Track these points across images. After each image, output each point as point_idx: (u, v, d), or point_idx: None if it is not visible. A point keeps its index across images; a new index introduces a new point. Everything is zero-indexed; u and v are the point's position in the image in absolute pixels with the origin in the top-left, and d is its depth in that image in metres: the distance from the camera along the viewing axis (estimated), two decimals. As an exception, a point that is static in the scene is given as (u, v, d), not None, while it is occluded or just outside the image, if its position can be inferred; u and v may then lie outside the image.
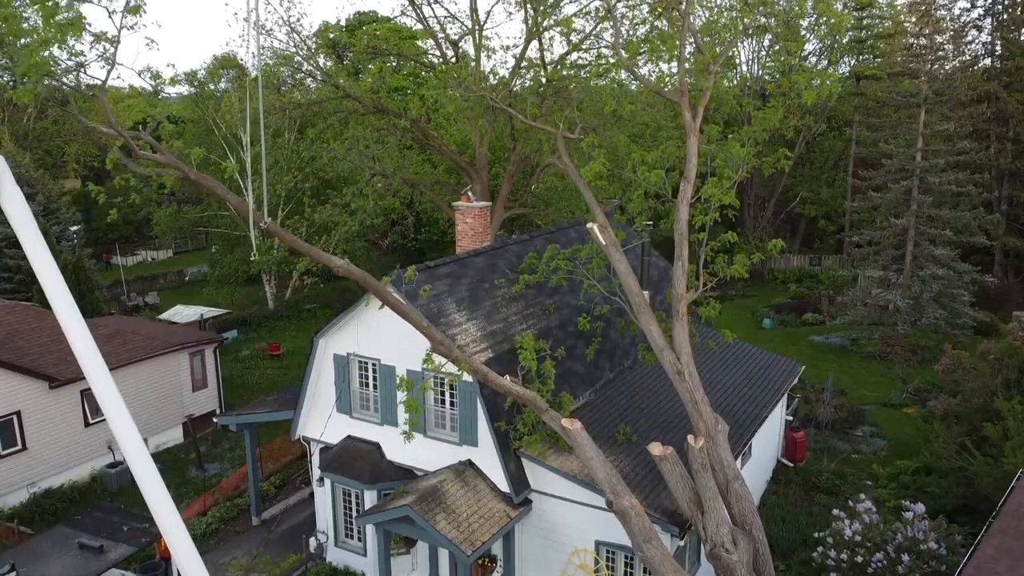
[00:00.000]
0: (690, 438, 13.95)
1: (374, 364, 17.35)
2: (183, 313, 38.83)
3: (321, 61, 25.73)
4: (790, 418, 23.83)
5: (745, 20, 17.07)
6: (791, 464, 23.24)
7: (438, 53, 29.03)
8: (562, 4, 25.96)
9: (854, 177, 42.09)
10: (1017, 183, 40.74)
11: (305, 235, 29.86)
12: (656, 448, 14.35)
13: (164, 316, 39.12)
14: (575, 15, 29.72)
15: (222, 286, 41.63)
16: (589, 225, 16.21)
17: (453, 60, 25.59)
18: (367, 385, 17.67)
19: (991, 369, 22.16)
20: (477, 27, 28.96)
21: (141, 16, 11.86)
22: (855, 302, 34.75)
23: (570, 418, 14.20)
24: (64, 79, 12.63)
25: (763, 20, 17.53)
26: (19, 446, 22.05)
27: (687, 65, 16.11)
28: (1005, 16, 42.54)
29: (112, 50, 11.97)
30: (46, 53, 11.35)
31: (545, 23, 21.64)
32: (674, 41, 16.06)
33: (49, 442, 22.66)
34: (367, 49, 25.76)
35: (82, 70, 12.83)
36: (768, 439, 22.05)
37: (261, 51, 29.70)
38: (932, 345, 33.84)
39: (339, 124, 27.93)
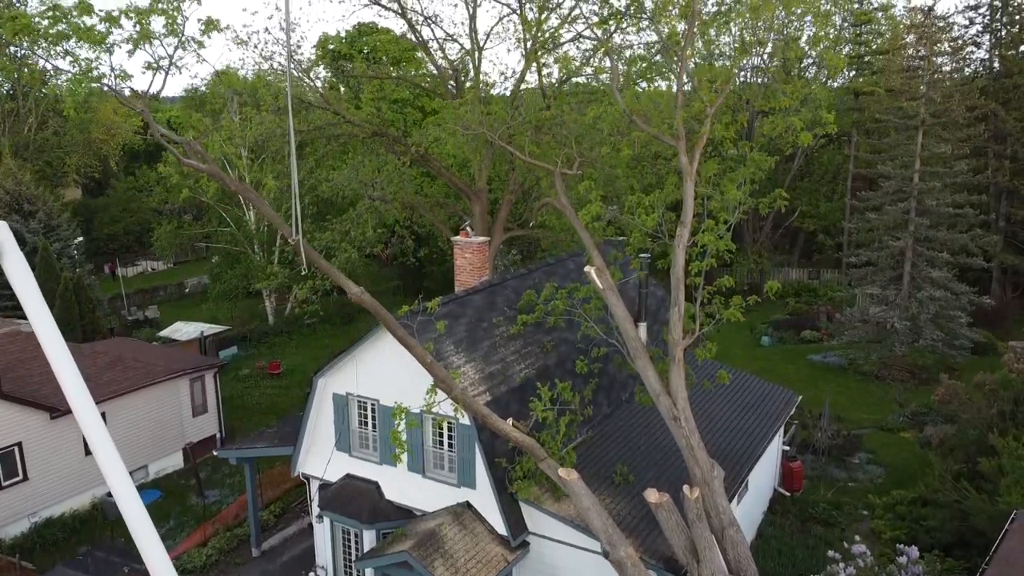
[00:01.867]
0: (686, 488, 14.07)
1: (373, 404, 17.47)
2: (183, 330, 38.95)
3: (319, 83, 25.85)
4: (787, 448, 23.93)
5: (742, 63, 17.18)
6: (788, 494, 23.35)
7: (436, 73, 29.19)
8: (560, 38, 26.13)
9: (852, 197, 42.20)
10: (1015, 201, 40.88)
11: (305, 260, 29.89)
12: (652, 495, 14.45)
13: (164, 333, 39.25)
14: (573, 39, 30.12)
15: (222, 302, 41.74)
16: (587, 269, 16.34)
17: (453, 87, 25.75)
18: (366, 424, 17.79)
19: (986, 400, 22.28)
20: (476, 48, 29.11)
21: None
22: (853, 322, 34.85)
23: (567, 468, 14.31)
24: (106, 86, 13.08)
25: (760, 60, 17.66)
26: (20, 476, 22.18)
27: (683, 112, 16.21)
28: (1003, 32, 42.70)
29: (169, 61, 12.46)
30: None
31: (544, 58, 21.84)
32: (671, 90, 16.15)
33: (50, 472, 22.78)
34: (365, 73, 25.91)
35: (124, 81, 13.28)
36: (765, 469, 22.15)
37: (263, 71, 29.88)
38: (930, 365, 33.98)
39: (339, 149, 28.07)
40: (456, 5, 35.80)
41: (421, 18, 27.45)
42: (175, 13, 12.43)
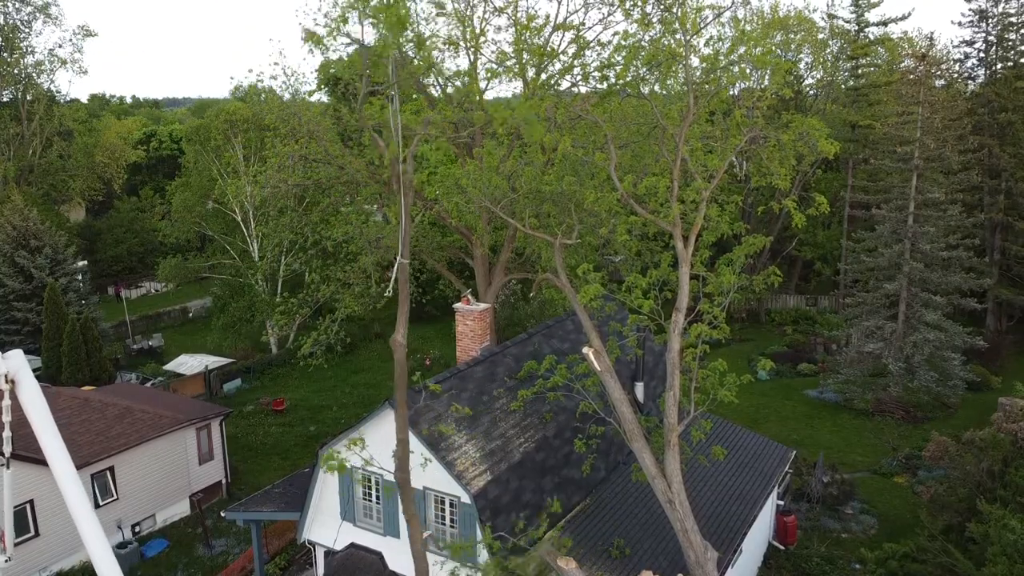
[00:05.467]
0: (680, 579, 14.58)
1: (378, 479, 17.97)
2: (188, 363, 39.55)
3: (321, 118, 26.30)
4: (780, 503, 24.45)
5: (735, 145, 17.65)
6: (782, 547, 23.86)
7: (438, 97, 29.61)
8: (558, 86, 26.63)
9: (848, 238, 42.67)
10: (1009, 235, 41.37)
11: (309, 314, 30.52)
12: (648, 579, 14.97)
13: (169, 367, 39.84)
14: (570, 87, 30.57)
15: (227, 332, 42.26)
16: (585, 350, 16.84)
17: (457, 145, 26.17)
18: (370, 497, 18.29)
19: (975, 459, 22.77)
20: (479, 95, 29.62)
21: None
22: (848, 360, 35.37)
23: (566, 558, 14.82)
24: None
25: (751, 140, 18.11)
26: (32, 533, 22.69)
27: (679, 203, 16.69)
28: (998, 67, 43.18)
29: None
30: None
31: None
32: (667, 180, 16.64)
33: (61, 526, 23.28)
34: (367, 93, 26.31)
35: None
36: (760, 525, 22.64)
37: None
38: (924, 403, 34.49)
39: (342, 199, 28.60)
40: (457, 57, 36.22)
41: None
42: None
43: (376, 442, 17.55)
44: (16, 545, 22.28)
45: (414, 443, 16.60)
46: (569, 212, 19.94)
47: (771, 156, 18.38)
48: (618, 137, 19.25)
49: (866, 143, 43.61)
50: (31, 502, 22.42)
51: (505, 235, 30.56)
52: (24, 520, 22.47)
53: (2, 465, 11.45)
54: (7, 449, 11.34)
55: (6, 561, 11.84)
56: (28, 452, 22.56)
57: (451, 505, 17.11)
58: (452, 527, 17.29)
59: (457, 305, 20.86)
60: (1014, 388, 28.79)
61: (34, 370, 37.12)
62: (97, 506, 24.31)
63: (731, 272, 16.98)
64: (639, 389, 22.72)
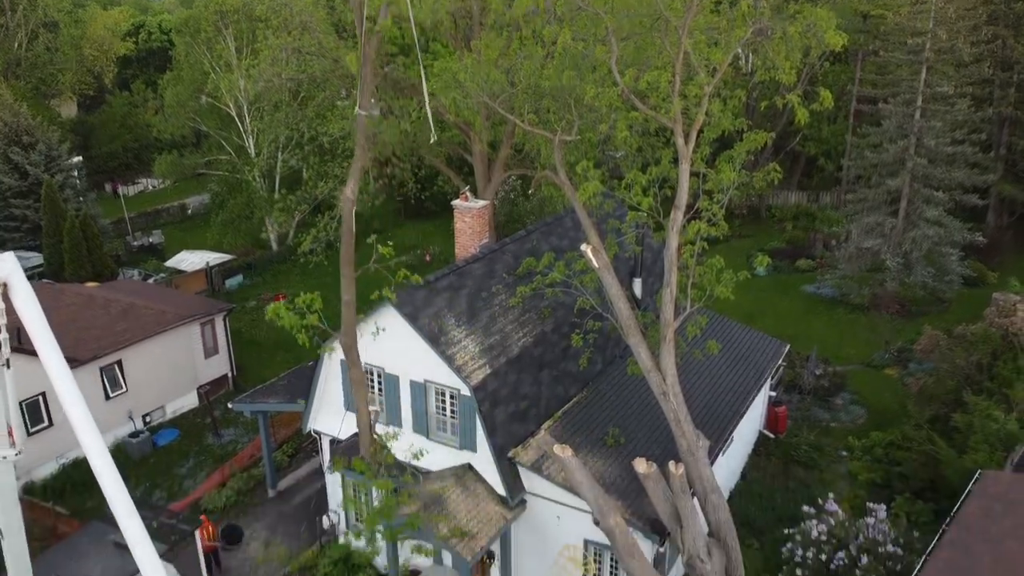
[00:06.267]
0: (671, 465, 15.15)
1: (379, 372, 18.42)
2: (189, 260, 39.76)
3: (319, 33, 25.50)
4: (773, 394, 25.11)
5: (739, 38, 17.14)
6: (772, 436, 24.69)
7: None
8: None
9: (853, 133, 41.96)
10: (1017, 129, 40.67)
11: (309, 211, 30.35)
12: (641, 465, 15.55)
13: (170, 263, 40.08)
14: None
15: (226, 231, 42.23)
16: (583, 247, 16.90)
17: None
18: (372, 389, 18.79)
19: (965, 352, 23.24)
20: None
21: None
22: (847, 255, 35.52)
23: (562, 446, 15.37)
24: None
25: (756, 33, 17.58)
26: (46, 423, 23.44)
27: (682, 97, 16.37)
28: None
29: None
30: None
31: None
32: (669, 74, 16.26)
33: (73, 417, 24.02)
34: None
35: None
36: (752, 416, 23.34)
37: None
38: (919, 298, 34.87)
39: (338, 93, 28.01)
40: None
41: None
42: None
43: (378, 336, 17.91)
44: (31, 435, 23.11)
45: (410, 334, 17.00)
46: (569, 108, 19.59)
47: (777, 50, 17.88)
48: (620, 29, 18.62)
49: (877, 34, 42.26)
50: (43, 394, 23.02)
51: (504, 131, 30.09)
52: (38, 411, 23.16)
53: (3, 366, 11.70)
54: (6, 351, 11.55)
55: (17, 455, 12.27)
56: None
57: (451, 397, 17.61)
58: (453, 418, 17.85)
59: (455, 202, 20.78)
60: (1009, 283, 29.03)
61: (36, 267, 37.39)
62: (107, 398, 25.05)
63: (731, 169, 16.86)
64: (637, 285, 22.95)
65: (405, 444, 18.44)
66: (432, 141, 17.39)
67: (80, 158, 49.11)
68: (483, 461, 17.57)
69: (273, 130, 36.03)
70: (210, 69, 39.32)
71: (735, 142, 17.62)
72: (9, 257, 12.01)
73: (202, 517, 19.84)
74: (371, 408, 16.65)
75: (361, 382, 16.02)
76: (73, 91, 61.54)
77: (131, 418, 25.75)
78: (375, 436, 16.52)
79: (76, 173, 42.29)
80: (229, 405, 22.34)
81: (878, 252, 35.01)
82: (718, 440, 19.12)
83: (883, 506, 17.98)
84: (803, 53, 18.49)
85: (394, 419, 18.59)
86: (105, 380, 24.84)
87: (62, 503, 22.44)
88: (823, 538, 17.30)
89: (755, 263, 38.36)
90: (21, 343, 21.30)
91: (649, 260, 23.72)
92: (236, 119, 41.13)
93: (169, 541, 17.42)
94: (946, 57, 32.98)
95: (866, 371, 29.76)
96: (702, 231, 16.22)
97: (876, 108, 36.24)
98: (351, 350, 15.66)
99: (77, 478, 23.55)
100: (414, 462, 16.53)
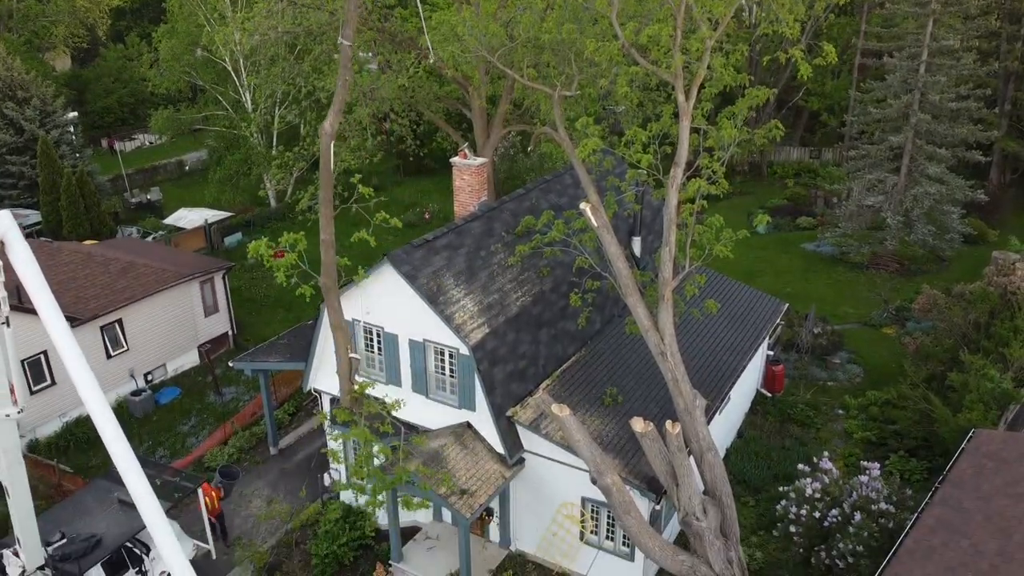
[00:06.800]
0: (668, 424, 15.27)
1: (378, 331, 18.46)
2: (188, 217, 39.59)
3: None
4: (770, 353, 25.20)
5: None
6: (770, 395, 24.85)
7: None
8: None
9: (857, 88, 41.41)
10: (1023, 84, 40.18)
11: (307, 167, 30.06)
12: (638, 424, 15.68)
13: (169, 220, 39.92)
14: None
15: (224, 188, 41.92)
16: (582, 206, 16.79)
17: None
18: (372, 349, 18.85)
19: (963, 311, 23.27)
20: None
21: None
22: (848, 215, 35.37)
23: (560, 404, 15.47)
24: None
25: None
26: (48, 381, 23.58)
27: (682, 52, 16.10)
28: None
29: None
30: None
31: None
32: (671, 28, 15.97)
33: (75, 375, 24.16)
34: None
35: None
36: (749, 374, 23.46)
37: None
38: (919, 256, 34.82)
39: (335, 47, 27.48)
40: None
41: None
42: None
43: (376, 295, 17.95)
44: (33, 393, 23.27)
45: (409, 293, 16.99)
46: (569, 62, 19.32)
47: (781, 2, 17.54)
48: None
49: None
50: (45, 352, 23.11)
51: (503, 86, 29.70)
52: (40, 370, 23.29)
53: (2, 324, 11.70)
54: (5, 309, 11.54)
55: (19, 412, 12.35)
56: (36, 305, 23.10)
57: (451, 356, 17.67)
58: (452, 377, 17.94)
59: (454, 159, 20.61)
60: (1009, 242, 28.97)
61: (34, 224, 37.14)
62: (108, 356, 25.16)
63: (732, 126, 16.67)
64: (636, 244, 22.87)
65: (380, 394, 18.50)
66: (431, 61, 16.88)
67: (75, 113, 48.58)
68: (482, 420, 17.70)
69: (270, 85, 35.54)
70: (205, 22, 38.65)
71: (737, 98, 17.41)
72: (5, 215, 11.88)
73: (204, 486, 19.78)
74: (352, 356, 16.36)
75: (341, 327, 15.65)
76: (66, 44, 60.60)
77: (133, 376, 25.90)
78: (354, 384, 16.35)
79: (72, 129, 41.81)
80: (230, 364, 22.44)
81: (879, 210, 34.86)
82: (715, 399, 19.25)
83: (877, 464, 18.14)
84: (807, 5, 18.19)
85: (393, 378, 18.68)
86: (106, 339, 24.92)
87: (66, 461, 22.71)
88: (817, 496, 17.51)
89: (755, 222, 38.18)
90: (21, 302, 21.45)
91: (649, 218, 23.61)
92: (232, 74, 40.57)
93: (172, 499, 17.63)
94: (953, 9, 32.41)
95: (864, 330, 29.85)
96: (702, 189, 16.09)
97: (880, 62, 35.75)
98: (330, 292, 15.23)
99: (80, 435, 23.79)
100: (395, 412, 16.43)
